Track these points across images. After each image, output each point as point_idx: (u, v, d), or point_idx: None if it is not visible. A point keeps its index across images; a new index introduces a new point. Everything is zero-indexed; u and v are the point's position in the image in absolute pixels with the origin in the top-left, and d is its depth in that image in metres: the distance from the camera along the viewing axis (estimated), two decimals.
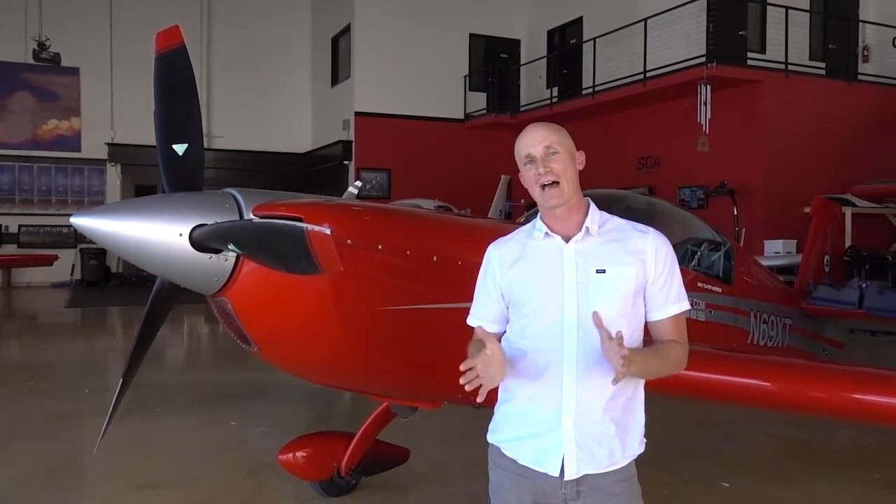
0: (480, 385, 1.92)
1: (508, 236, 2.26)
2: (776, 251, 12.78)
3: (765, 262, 8.27)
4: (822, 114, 13.98)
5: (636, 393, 2.18)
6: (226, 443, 5.61)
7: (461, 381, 1.92)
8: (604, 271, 2.08)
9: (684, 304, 2.18)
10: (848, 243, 11.83)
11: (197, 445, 5.57)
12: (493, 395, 2.28)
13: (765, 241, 13.19)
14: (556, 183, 2.10)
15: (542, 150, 2.11)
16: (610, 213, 2.23)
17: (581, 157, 2.19)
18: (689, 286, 4.40)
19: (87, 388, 7.40)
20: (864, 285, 6.34)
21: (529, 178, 2.14)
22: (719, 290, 4.79)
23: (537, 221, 2.19)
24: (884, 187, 13.62)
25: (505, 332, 2.22)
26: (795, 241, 12.47)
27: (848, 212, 12.32)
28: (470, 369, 1.91)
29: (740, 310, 4.97)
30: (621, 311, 2.09)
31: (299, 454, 4.21)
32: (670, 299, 2.15)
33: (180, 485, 4.73)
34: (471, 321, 2.26)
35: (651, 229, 2.19)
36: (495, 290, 2.20)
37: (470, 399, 3.36)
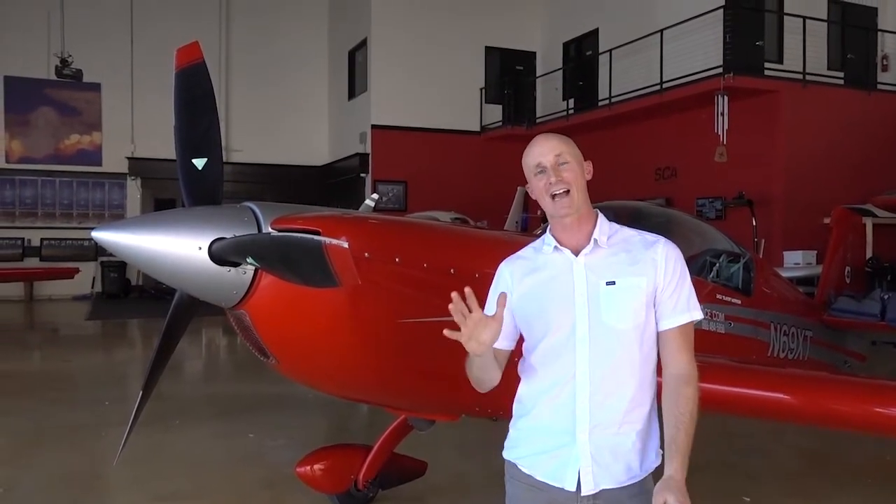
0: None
1: (518, 253, 2.26)
2: (796, 262, 12.64)
3: (785, 274, 8.18)
4: (840, 123, 13.84)
5: (652, 405, 2.16)
6: (244, 454, 5.63)
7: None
8: (614, 283, 2.07)
9: (695, 314, 2.14)
10: (869, 254, 11.66)
11: (215, 457, 5.59)
12: (508, 410, 2.27)
13: (784, 252, 13.05)
14: (566, 192, 2.10)
15: (552, 159, 2.12)
16: (632, 227, 2.22)
17: (588, 167, 2.19)
18: (709, 298, 4.43)
19: (108, 400, 7.46)
20: (886, 296, 6.26)
21: (539, 187, 2.14)
22: (739, 301, 4.74)
23: (546, 236, 2.20)
24: None
25: (512, 349, 2.21)
26: (815, 251, 12.33)
27: (868, 222, 12.15)
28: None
29: (760, 322, 4.92)
30: (634, 324, 2.08)
31: (317, 466, 4.22)
32: (679, 307, 2.12)
33: (199, 496, 4.76)
34: None
35: (661, 238, 2.18)
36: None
37: (488, 412, 3.38)
